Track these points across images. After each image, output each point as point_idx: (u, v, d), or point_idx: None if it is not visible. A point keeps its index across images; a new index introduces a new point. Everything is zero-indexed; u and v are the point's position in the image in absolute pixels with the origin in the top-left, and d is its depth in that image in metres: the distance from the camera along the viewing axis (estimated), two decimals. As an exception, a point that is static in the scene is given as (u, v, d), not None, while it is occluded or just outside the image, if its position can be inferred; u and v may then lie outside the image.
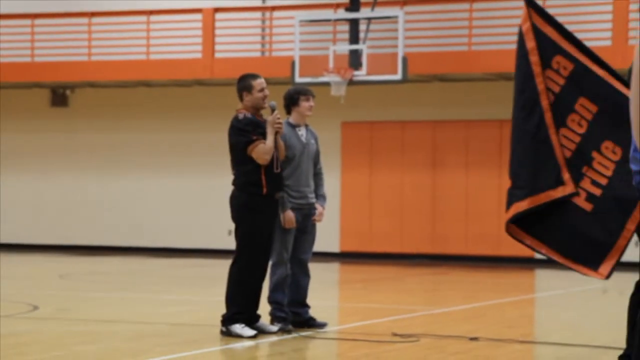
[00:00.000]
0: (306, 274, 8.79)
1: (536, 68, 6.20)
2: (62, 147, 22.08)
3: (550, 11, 20.14)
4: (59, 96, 22.17)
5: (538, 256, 19.13)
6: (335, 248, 20.31)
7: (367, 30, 17.74)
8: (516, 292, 14.09)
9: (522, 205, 6.18)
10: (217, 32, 20.55)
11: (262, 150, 8.13)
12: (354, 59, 17.50)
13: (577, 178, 6.13)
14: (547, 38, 6.21)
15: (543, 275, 17.33)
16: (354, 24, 17.76)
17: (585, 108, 6.10)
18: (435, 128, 20.06)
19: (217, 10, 20.60)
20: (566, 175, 6.12)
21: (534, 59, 6.21)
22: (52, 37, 21.55)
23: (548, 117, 6.16)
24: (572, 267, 6.14)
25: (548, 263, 18.58)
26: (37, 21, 21.55)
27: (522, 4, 6.46)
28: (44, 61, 21.37)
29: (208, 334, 8.43)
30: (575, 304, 12.41)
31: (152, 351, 7.62)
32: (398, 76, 17.30)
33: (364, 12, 17.78)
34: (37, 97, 22.26)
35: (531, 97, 6.17)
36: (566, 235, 6.15)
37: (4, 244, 21.91)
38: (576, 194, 6.12)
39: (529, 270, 18.11)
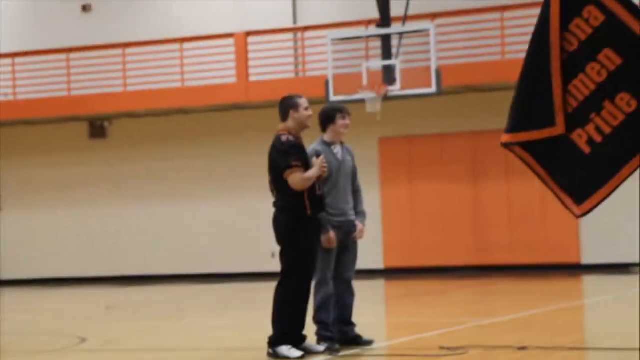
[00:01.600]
0: (351, 292, 8.74)
1: (554, 8, 6.37)
2: (103, 178, 22.23)
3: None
4: (97, 128, 22.34)
5: (584, 262, 18.97)
6: (379, 265, 20.25)
7: (399, 45, 17.74)
8: (564, 299, 13.97)
9: (505, 138, 6.55)
10: (250, 55, 20.64)
11: (300, 179, 8.11)
12: (388, 75, 17.49)
13: (583, 121, 6.31)
14: None
15: (590, 281, 17.17)
16: (385, 39, 17.76)
17: (608, 59, 6.25)
18: (474, 139, 19.99)
19: (248, 33, 20.70)
20: (559, 118, 6.35)
21: (554, 2, 6.38)
22: (87, 70, 21.73)
23: (555, 66, 6.34)
24: (559, 195, 6.35)
25: (595, 269, 18.44)
26: (72, 55, 21.74)
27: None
28: (80, 94, 21.56)
29: (256, 357, 8.42)
30: (625, 309, 12.26)
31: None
32: (432, 89, 17.26)
33: (395, 27, 17.77)
34: (75, 130, 22.44)
35: (542, 40, 6.36)
36: (560, 166, 6.38)
37: (50, 279, 22.06)
38: (564, 136, 6.32)
39: (575, 277, 17.96)
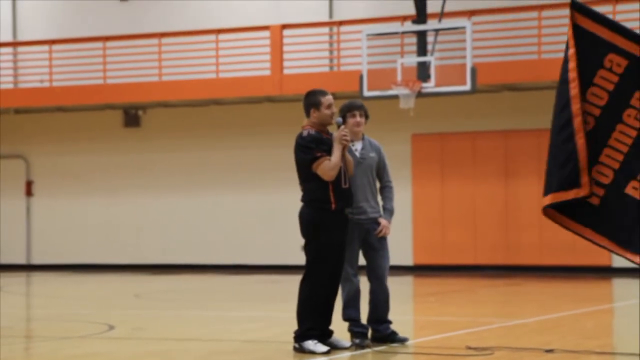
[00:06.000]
0: (384, 290, 8.68)
1: (572, 74, 6.22)
2: (136, 167, 22.32)
3: (621, 8, 19.45)
4: (132, 117, 22.43)
5: (615, 265, 18.84)
6: (408, 261, 20.21)
7: (435, 42, 17.67)
8: (593, 302, 13.88)
9: (545, 200, 6.41)
10: (285, 48, 20.64)
11: (328, 167, 8.11)
12: (422, 71, 17.43)
13: (633, 172, 6.14)
14: (597, 38, 6.15)
15: (621, 285, 17.03)
16: (421, 36, 17.70)
17: None
18: (507, 138, 19.89)
19: (284, 26, 20.69)
20: (584, 179, 6.20)
21: (572, 65, 6.23)
22: (123, 59, 21.82)
23: (577, 121, 6.19)
24: (624, 255, 6.19)
25: (626, 272, 18.29)
26: (109, 44, 21.83)
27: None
28: (115, 83, 21.65)
29: (281, 350, 8.42)
30: (654, 313, 12.16)
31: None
32: (467, 87, 17.19)
33: (431, 24, 17.70)
34: (110, 119, 22.54)
35: (563, 101, 6.25)
36: (622, 226, 6.19)
37: (79, 264, 22.20)
38: (588, 196, 6.15)
39: (606, 280, 17.83)
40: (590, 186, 6.20)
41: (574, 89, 6.18)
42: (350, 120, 8.59)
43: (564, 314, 11.80)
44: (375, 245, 8.63)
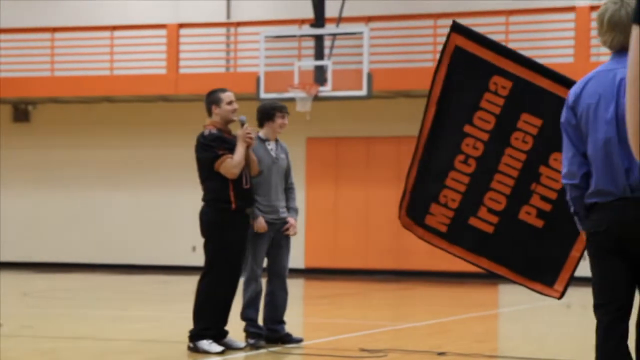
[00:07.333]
0: (284, 290, 8.74)
1: (433, 98, 6.22)
2: (24, 163, 21.90)
3: (513, 28, 20.17)
4: (21, 112, 22.00)
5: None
6: (300, 264, 20.27)
7: (332, 47, 17.79)
8: (480, 308, 14.12)
9: (417, 231, 6.24)
10: (182, 47, 20.52)
11: (230, 165, 8.11)
12: (319, 75, 17.53)
13: (526, 196, 6.05)
14: (480, 61, 6.05)
15: (506, 291, 17.37)
16: (319, 40, 17.80)
17: (528, 124, 5.98)
18: (401, 144, 20.11)
19: (181, 25, 20.57)
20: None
21: (436, 89, 6.21)
22: (14, 53, 21.40)
23: (419, 148, 6.19)
24: (528, 285, 6.10)
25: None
26: (0, 36, 21.39)
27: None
28: (5, 77, 21.21)
29: (175, 350, 8.37)
30: (539, 318, 12.44)
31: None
32: (363, 92, 17.35)
33: (329, 28, 17.82)
34: (-1, 113, 22.08)
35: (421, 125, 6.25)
36: (519, 254, 6.09)
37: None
38: (512, 220, 6.03)
39: (493, 285, 18.16)
40: (404, 218, 6.18)
41: (430, 112, 6.16)
42: (279, 121, 8.64)
43: (453, 318, 11.98)
44: (282, 244, 8.67)
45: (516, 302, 14.85)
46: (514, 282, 6.13)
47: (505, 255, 6.09)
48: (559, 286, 6.00)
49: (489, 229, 6.09)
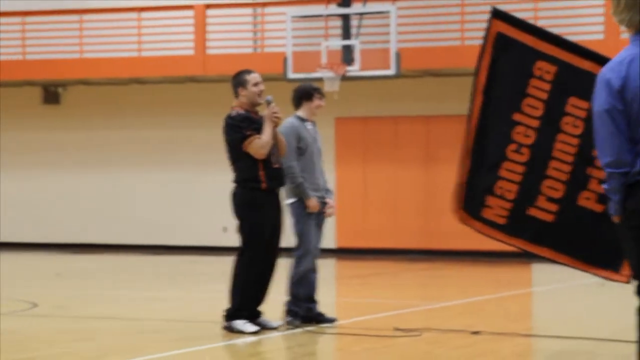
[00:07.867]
0: (315, 270, 8.80)
1: (479, 86, 6.13)
2: (55, 144, 21.98)
3: (541, 5, 19.96)
4: (51, 94, 22.07)
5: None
6: (331, 244, 20.25)
7: (359, 26, 17.71)
8: (514, 287, 14.07)
9: (474, 225, 6.38)
10: (209, 28, 20.49)
11: (259, 144, 8.10)
12: (347, 55, 17.46)
13: (583, 181, 5.95)
14: (523, 46, 5.97)
15: (540, 269, 17.30)
16: (345, 19, 17.72)
17: (577, 107, 5.91)
18: (429, 123, 20.04)
19: (208, 6, 20.53)
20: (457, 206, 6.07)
21: (482, 76, 6.11)
22: (43, 35, 21.46)
23: (469, 138, 6.12)
24: (594, 272, 5.99)
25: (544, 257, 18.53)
26: (28, 19, 21.44)
27: None
28: (35, 59, 21.28)
29: (209, 330, 8.39)
30: (574, 297, 12.39)
31: (150, 347, 7.59)
32: (391, 71, 17.27)
33: (356, 8, 17.73)
34: (29, 95, 22.15)
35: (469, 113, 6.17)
36: (582, 241, 5.98)
37: (2, 243, 21.80)
38: (571, 206, 5.90)
39: (525, 264, 18.09)
40: (460, 212, 6.12)
41: (477, 100, 6.07)
42: (317, 102, 8.73)
43: (486, 297, 11.95)
44: (321, 224, 8.75)
45: (550, 280, 14.79)
46: (580, 270, 6.02)
47: (567, 244, 5.96)
48: (626, 270, 5.86)
49: (549, 218, 5.99)
